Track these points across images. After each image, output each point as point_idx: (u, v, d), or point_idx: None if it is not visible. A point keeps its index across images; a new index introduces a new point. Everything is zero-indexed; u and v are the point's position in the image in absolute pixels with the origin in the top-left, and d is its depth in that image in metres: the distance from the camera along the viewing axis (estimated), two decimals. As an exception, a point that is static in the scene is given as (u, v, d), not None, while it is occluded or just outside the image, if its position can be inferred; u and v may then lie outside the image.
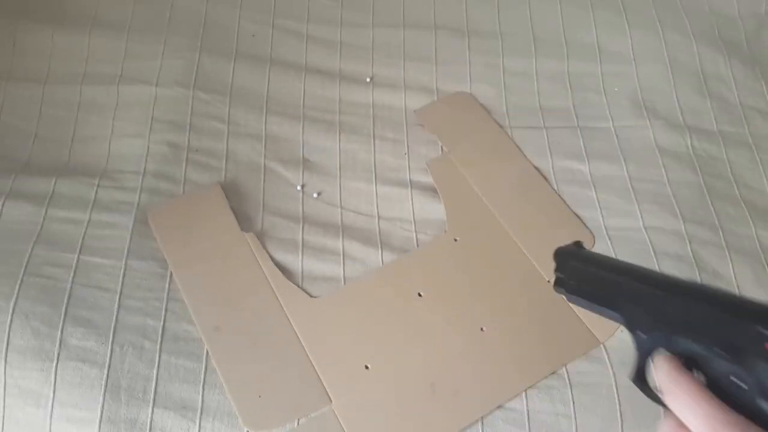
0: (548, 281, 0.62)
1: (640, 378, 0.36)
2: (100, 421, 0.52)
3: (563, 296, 0.42)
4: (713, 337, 0.31)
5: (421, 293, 0.61)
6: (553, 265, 0.43)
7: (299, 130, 0.74)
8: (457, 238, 0.65)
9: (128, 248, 0.62)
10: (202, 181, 0.69)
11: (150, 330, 0.57)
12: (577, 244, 0.44)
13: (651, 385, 0.35)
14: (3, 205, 0.64)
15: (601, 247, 0.65)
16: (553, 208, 0.67)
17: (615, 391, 0.55)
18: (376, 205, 0.68)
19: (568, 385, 0.55)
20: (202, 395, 0.54)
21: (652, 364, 0.33)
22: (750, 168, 0.72)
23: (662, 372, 0.31)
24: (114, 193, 0.66)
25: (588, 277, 0.40)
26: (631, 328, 0.36)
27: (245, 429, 0.53)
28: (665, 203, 0.67)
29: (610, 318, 0.38)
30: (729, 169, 0.71)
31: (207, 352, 0.57)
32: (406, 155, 0.72)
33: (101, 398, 0.53)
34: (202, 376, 0.55)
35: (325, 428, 0.53)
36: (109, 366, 0.55)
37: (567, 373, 0.56)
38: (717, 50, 0.81)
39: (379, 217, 0.67)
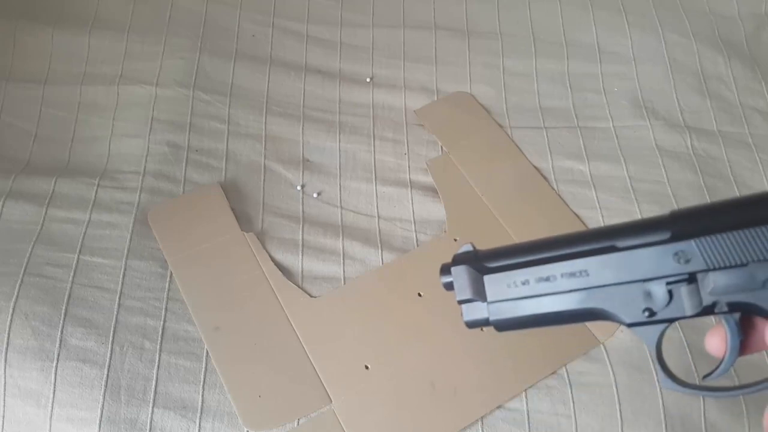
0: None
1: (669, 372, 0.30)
2: (100, 421, 0.52)
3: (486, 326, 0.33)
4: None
5: (421, 293, 0.61)
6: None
7: (299, 130, 0.74)
8: (457, 238, 0.65)
9: (128, 248, 0.62)
10: (202, 181, 0.69)
11: (150, 330, 0.57)
12: (473, 251, 0.34)
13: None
14: (3, 205, 0.64)
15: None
16: (553, 208, 0.68)
17: (615, 391, 0.55)
18: (376, 205, 0.68)
19: (568, 384, 0.55)
20: (202, 395, 0.54)
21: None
22: (750, 168, 0.72)
23: None
24: (114, 193, 0.66)
25: (511, 286, 0.32)
26: (627, 316, 0.30)
27: (245, 429, 0.53)
28: (665, 203, 0.67)
29: (581, 320, 0.32)
30: (729, 169, 0.71)
31: (207, 352, 0.57)
32: (406, 155, 0.72)
33: (101, 398, 0.53)
34: (202, 376, 0.55)
35: (325, 428, 0.53)
36: (109, 366, 0.55)
37: (567, 372, 0.56)
38: (717, 50, 0.81)
39: (379, 217, 0.67)
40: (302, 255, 0.63)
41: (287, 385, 0.55)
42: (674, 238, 0.28)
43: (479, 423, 0.54)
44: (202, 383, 0.55)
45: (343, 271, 0.62)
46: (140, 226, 0.64)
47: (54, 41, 0.79)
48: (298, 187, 0.69)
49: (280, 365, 0.56)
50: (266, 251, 0.63)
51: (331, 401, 0.54)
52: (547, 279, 0.31)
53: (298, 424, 0.53)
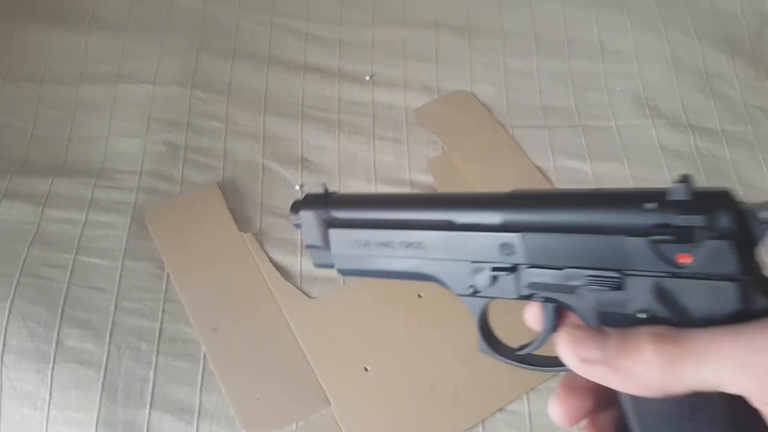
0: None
1: (492, 339, 0.32)
2: (97, 423, 0.52)
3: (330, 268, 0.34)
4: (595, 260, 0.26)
5: (421, 294, 0.60)
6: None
7: (298, 129, 0.73)
8: (458, 239, 0.64)
9: (125, 249, 0.61)
10: (200, 180, 0.68)
11: (147, 331, 0.57)
12: (325, 192, 0.35)
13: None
14: (-1, 205, 0.63)
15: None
16: (555, 208, 0.67)
17: (617, 393, 0.54)
18: (376, 205, 0.68)
19: (570, 387, 0.55)
20: (200, 397, 0.54)
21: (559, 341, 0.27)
22: (753, 167, 0.71)
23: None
24: (111, 193, 0.66)
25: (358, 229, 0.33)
26: (456, 288, 0.32)
27: (243, 432, 0.53)
28: (668, 203, 0.67)
29: (418, 280, 0.33)
30: (732, 168, 0.71)
31: (204, 354, 0.56)
32: (406, 154, 0.72)
33: (98, 400, 0.53)
34: (200, 378, 0.55)
35: (323, 431, 0.52)
36: (106, 368, 0.54)
37: (568, 375, 0.56)
38: (720, 49, 0.80)
39: (378, 217, 0.67)
40: (301, 255, 0.63)
41: (285, 388, 0.54)
42: (504, 228, 0.29)
43: (480, 426, 0.53)
44: (199, 385, 0.54)
45: (343, 272, 0.62)
46: (137, 226, 0.63)
47: (52, 40, 0.79)
48: (297, 187, 0.69)
49: (279, 367, 0.55)
50: (264, 252, 0.62)
51: (329, 404, 0.54)
52: (387, 245, 0.32)
53: (296, 427, 0.53)
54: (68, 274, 0.59)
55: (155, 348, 0.56)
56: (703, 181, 0.69)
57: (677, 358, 0.23)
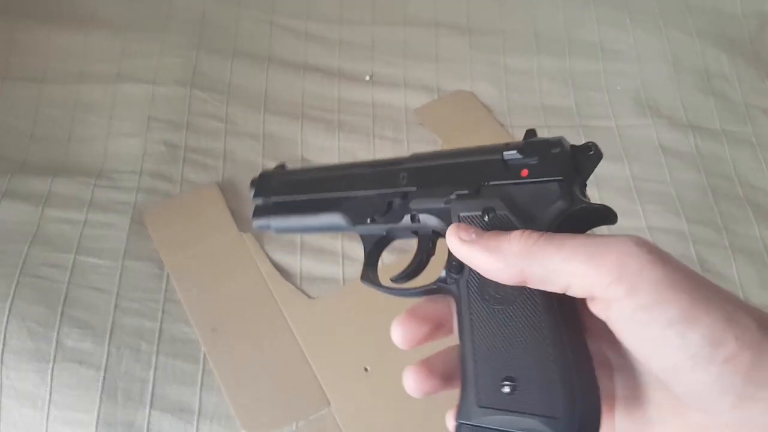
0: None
1: (374, 272, 0.37)
2: (97, 423, 0.52)
3: (269, 230, 0.41)
4: (452, 184, 0.34)
5: (421, 294, 0.60)
6: (251, 195, 0.42)
7: (298, 129, 0.73)
8: (458, 239, 0.64)
9: (125, 249, 0.61)
10: (200, 180, 0.68)
11: (147, 331, 0.57)
12: (280, 166, 0.43)
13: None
14: (-1, 204, 0.63)
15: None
16: (555, 207, 0.67)
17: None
18: (376, 205, 0.68)
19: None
20: (200, 397, 0.54)
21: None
22: (754, 167, 0.71)
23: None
24: (111, 192, 0.66)
25: (290, 189, 0.40)
26: (357, 220, 0.37)
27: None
28: (668, 203, 0.67)
29: (329, 227, 0.39)
30: (733, 168, 0.71)
31: (204, 354, 0.56)
32: (406, 154, 0.71)
33: (98, 400, 0.53)
34: (200, 378, 0.55)
35: (323, 431, 0.52)
36: (106, 367, 0.54)
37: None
38: (720, 48, 0.80)
39: (378, 217, 0.67)
40: (301, 255, 0.63)
41: (285, 388, 0.54)
42: (404, 162, 0.37)
43: (479, 426, 0.53)
44: (199, 385, 0.54)
45: (342, 272, 0.62)
46: (137, 226, 0.63)
47: (51, 40, 0.79)
48: (297, 187, 0.68)
49: (278, 367, 0.55)
50: (264, 252, 0.62)
51: (329, 404, 0.54)
52: (320, 181, 0.39)
53: (296, 427, 0.53)
54: (68, 274, 0.59)
55: (155, 348, 0.56)
56: (703, 182, 0.69)
57: (538, 243, 0.27)
